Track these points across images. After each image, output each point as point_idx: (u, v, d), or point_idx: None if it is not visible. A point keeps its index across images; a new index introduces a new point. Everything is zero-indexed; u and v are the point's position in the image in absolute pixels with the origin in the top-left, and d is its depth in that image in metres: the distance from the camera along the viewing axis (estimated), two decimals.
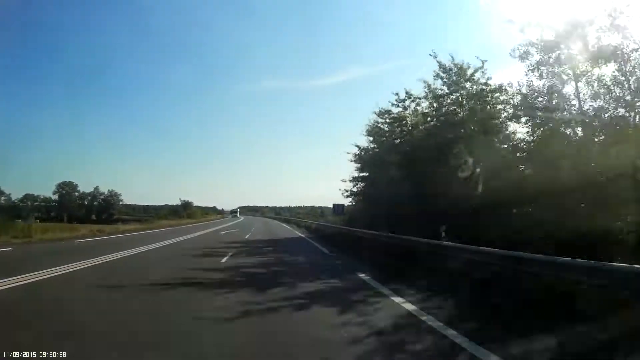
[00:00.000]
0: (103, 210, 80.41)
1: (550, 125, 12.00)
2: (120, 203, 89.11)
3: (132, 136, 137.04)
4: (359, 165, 21.10)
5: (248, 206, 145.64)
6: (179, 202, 78.66)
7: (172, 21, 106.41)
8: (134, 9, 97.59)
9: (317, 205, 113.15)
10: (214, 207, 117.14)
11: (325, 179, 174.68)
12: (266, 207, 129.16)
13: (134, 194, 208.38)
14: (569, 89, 12.38)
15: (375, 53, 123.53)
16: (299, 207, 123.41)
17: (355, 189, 21.14)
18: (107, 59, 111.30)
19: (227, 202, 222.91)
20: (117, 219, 63.89)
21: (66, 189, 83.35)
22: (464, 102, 13.99)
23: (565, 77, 12.39)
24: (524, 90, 13.07)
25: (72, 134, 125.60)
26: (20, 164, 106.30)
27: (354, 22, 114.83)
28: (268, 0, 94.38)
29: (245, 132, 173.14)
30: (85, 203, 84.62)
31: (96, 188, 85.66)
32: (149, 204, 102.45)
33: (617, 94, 11.39)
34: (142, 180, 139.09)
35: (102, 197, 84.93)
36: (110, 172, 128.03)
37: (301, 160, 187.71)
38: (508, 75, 34.00)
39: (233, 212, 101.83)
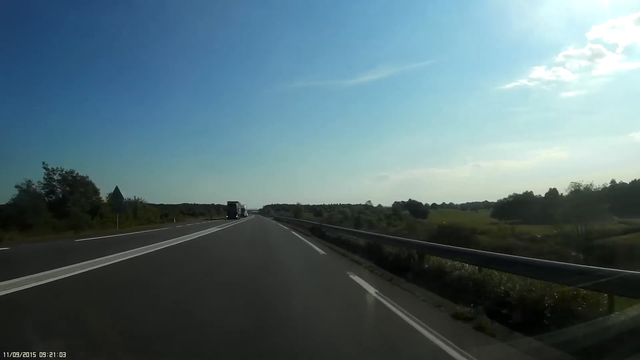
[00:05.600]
0: None
1: None
2: None
3: (160, 136, 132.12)
4: None
5: (277, 204, 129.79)
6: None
7: (197, 18, 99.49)
8: (162, 6, 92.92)
9: (376, 204, 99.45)
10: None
11: (358, 177, 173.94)
12: (298, 204, 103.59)
13: (167, 196, 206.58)
14: None
15: (405, 51, 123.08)
16: (342, 205, 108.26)
17: None
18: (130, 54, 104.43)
19: (256, 200, 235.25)
20: None
21: None
22: None
23: None
24: None
25: None
26: None
27: (382, 21, 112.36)
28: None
29: (278, 131, 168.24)
30: None
31: None
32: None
33: None
34: (174, 181, 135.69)
35: None
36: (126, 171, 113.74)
37: (341, 158, 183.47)
38: None
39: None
